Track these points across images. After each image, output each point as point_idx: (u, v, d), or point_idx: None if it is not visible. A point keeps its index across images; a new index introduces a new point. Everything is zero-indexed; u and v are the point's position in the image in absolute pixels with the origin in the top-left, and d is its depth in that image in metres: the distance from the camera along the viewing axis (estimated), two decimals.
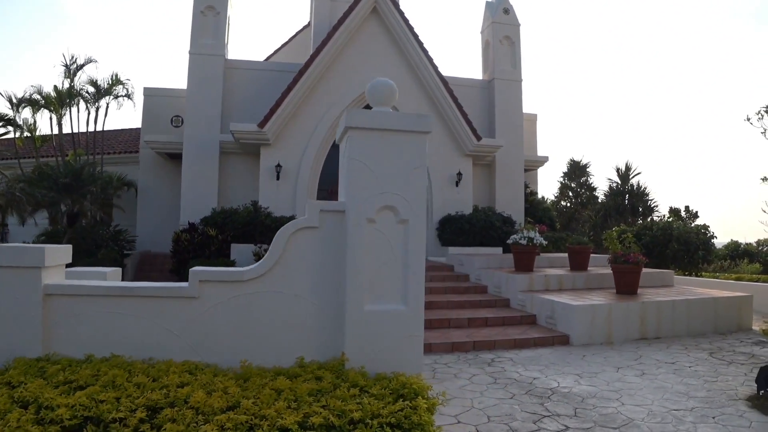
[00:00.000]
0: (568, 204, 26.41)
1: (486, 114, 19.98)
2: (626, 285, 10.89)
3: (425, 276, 13.92)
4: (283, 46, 25.24)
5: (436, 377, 7.63)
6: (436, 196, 17.79)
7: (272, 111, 16.89)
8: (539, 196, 21.73)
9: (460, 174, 17.85)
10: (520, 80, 20.16)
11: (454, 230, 16.99)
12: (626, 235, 11.64)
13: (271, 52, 25.24)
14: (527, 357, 8.71)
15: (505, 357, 8.71)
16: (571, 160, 26.59)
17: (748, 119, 14.65)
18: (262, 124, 16.73)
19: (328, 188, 18.83)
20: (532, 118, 22.52)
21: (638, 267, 10.73)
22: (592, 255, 13.46)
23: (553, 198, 26.88)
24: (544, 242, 12.50)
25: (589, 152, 78.97)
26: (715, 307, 10.55)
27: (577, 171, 26.24)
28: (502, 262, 13.37)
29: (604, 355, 8.75)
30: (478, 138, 17.78)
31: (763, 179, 11.99)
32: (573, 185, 26.36)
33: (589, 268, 13.02)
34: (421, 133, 4.59)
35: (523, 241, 12.23)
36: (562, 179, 26.84)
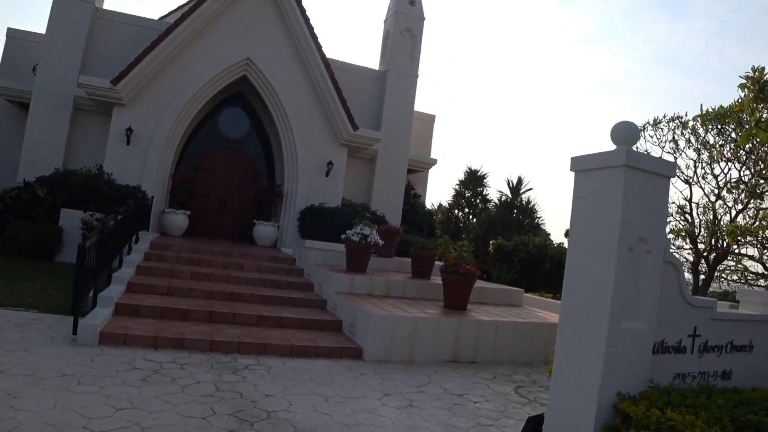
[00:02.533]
0: (461, 213, 25.17)
1: (376, 106, 18.44)
2: (454, 298, 9.39)
3: (255, 266, 12.35)
4: (180, 7, 23.08)
5: (148, 380, 5.91)
6: (302, 184, 16.06)
7: (129, 68, 14.75)
8: (425, 200, 20.30)
9: (331, 163, 16.17)
10: (416, 75, 18.71)
11: (315, 222, 15.32)
12: (462, 242, 10.16)
13: (167, 12, 23.07)
14: (293, 368, 7.03)
15: (265, 365, 7.01)
16: (468, 169, 25.42)
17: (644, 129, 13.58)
18: (115, 81, 14.55)
19: (194, 163, 16.90)
20: (430, 119, 21.15)
21: (468, 279, 9.24)
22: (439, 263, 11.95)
23: (446, 205, 25.64)
24: (380, 242, 10.91)
25: (491, 162, 79.35)
26: (549, 334, 9.15)
27: (473, 180, 25.03)
28: (341, 260, 11.71)
29: (385, 377, 7.15)
30: (355, 127, 16.15)
31: None
32: (468, 194, 25.11)
33: (432, 277, 11.52)
34: None
35: (355, 238, 10.61)
36: (457, 187, 25.56)
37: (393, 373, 7.34)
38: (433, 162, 20.06)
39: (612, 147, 4.35)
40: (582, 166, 4.49)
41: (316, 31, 16.17)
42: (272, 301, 9.87)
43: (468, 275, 9.14)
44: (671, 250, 12.98)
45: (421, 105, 70.94)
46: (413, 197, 19.04)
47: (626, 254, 4.16)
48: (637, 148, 4.50)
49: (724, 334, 5.35)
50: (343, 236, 10.97)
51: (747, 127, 10.17)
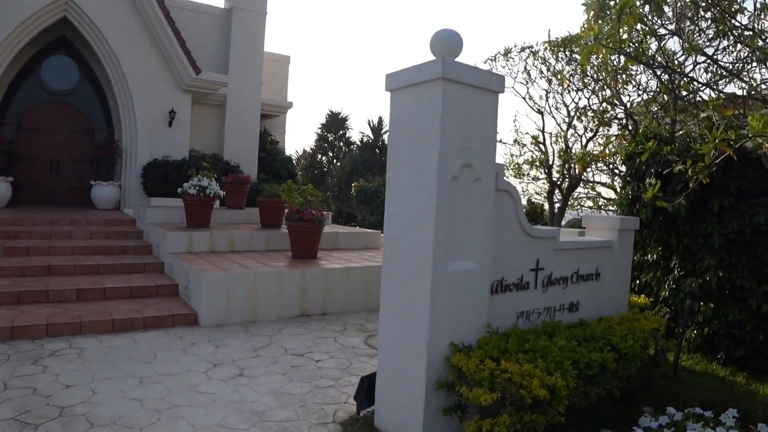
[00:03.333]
0: (324, 157, 24.35)
1: (223, 47, 16.98)
2: (303, 247, 8.69)
3: (86, 233, 11.01)
4: None
5: None
6: (143, 137, 14.52)
7: None
8: (284, 145, 19.29)
9: (173, 112, 14.73)
10: (265, 13, 17.39)
11: (159, 178, 13.94)
12: (307, 186, 9.42)
13: None
14: (110, 347, 6.06)
15: (78, 347, 6.00)
16: (330, 111, 24.54)
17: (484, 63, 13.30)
18: None
19: (16, 121, 14.80)
20: (284, 60, 19.96)
21: (315, 225, 8.54)
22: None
23: (309, 150, 24.69)
24: (221, 193, 9.94)
25: (353, 103, 79.61)
26: None
27: (335, 123, 24.18)
28: (185, 217, 10.60)
29: (220, 343, 6.35)
30: (197, 71, 14.74)
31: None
32: (330, 138, 24.24)
33: (283, 226, 10.73)
34: None
35: (192, 191, 9.57)
36: (320, 131, 24.63)
37: (229, 338, 6.56)
38: (289, 105, 19.00)
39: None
40: (397, 83, 3.81)
41: None
42: (99, 271, 8.71)
43: (314, 221, 8.43)
44: (522, 181, 12.85)
45: (274, 45, 68.44)
46: (270, 144, 17.99)
47: (449, 184, 3.56)
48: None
49: (570, 264, 5.00)
50: (179, 190, 9.90)
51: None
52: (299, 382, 5.23)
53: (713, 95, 7.61)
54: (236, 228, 10.44)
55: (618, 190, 12.57)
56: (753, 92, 5.98)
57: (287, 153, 18.84)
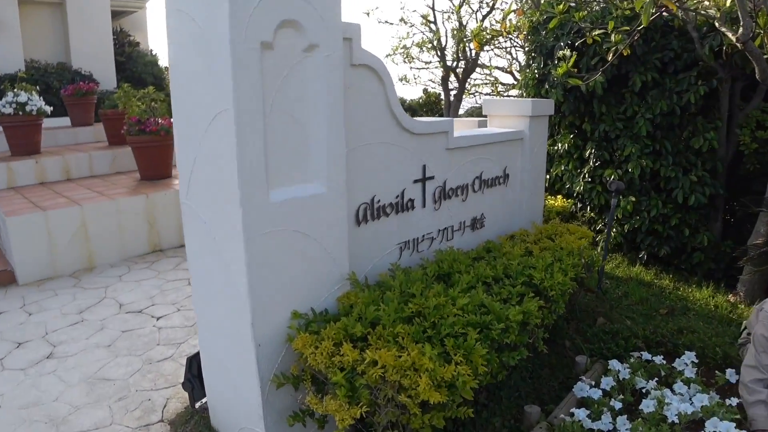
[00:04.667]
0: None
1: None
2: (151, 166, 7.10)
3: None
4: None
5: None
6: None
7: None
8: (149, 46, 16.84)
9: None
10: None
11: None
12: (148, 89, 7.68)
13: None
14: None
15: None
16: None
17: None
18: None
19: None
20: None
21: (163, 138, 6.89)
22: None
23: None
24: (47, 109, 8.01)
25: None
26: None
27: None
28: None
29: (37, 309, 4.83)
30: None
31: None
32: None
33: None
34: None
35: (8, 110, 7.63)
36: None
37: (52, 298, 5.05)
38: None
39: None
40: None
41: None
42: None
43: (160, 132, 6.79)
44: (413, 67, 11.37)
45: None
46: (129, 46, 15.59)
47: (258, 56, 2.12)
48: None
49: (469, 167, 3.77)
50: None
51: None
52: (127, 357, 3.88)
53: None
54: (77, 150, 8.61)
55: (516, 75, 11.46)
56: None
57: (156, 55, 16.44)
